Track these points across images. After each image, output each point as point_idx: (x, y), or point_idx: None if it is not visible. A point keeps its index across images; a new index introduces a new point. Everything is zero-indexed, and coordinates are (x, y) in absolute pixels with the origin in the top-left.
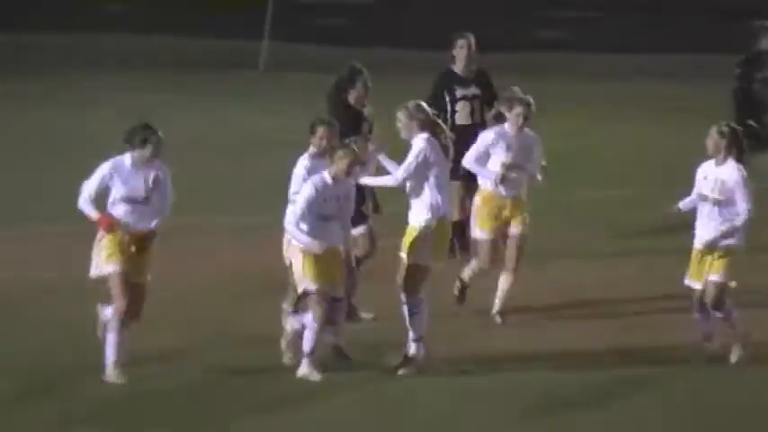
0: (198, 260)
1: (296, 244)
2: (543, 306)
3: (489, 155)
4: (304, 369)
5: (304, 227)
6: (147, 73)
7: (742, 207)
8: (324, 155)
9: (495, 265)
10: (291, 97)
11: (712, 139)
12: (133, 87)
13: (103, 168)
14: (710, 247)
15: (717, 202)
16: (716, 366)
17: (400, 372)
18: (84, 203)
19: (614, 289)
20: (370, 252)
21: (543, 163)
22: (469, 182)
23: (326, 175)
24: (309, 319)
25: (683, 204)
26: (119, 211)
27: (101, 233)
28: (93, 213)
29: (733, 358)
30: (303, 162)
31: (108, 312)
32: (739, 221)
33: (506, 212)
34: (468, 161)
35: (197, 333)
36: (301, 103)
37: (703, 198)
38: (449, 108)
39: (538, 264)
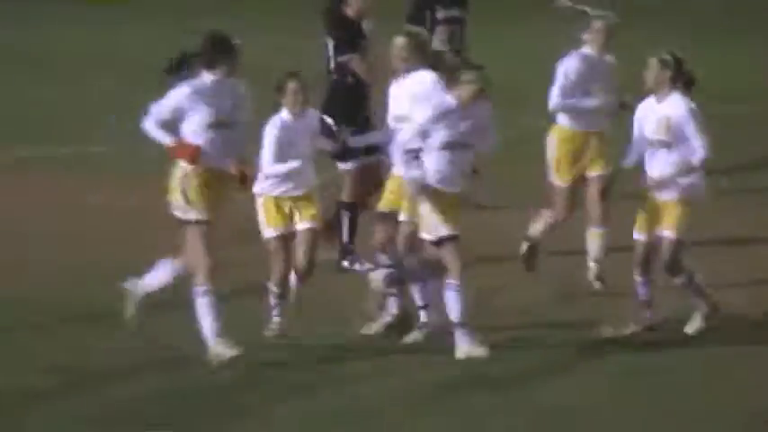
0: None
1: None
2: None
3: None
4: (473, 346)
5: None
6: None
7: (696, 144)
8: (300, 112)
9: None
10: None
11: (652, 70)
12: None
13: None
14: (661, 189)
15: (663, 144)
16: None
17: (405, 339)
18: (153, 127)
19: None
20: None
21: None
22: None
23: (450, 99)
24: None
25: (629, 160)
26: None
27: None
28: (167, 139)
29: (689, 328)
30: (274, 128)
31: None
32: (696, 160)
33: (589, 153)
34: (557, 101)
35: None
36: None
37: (649, 143)
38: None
39: None
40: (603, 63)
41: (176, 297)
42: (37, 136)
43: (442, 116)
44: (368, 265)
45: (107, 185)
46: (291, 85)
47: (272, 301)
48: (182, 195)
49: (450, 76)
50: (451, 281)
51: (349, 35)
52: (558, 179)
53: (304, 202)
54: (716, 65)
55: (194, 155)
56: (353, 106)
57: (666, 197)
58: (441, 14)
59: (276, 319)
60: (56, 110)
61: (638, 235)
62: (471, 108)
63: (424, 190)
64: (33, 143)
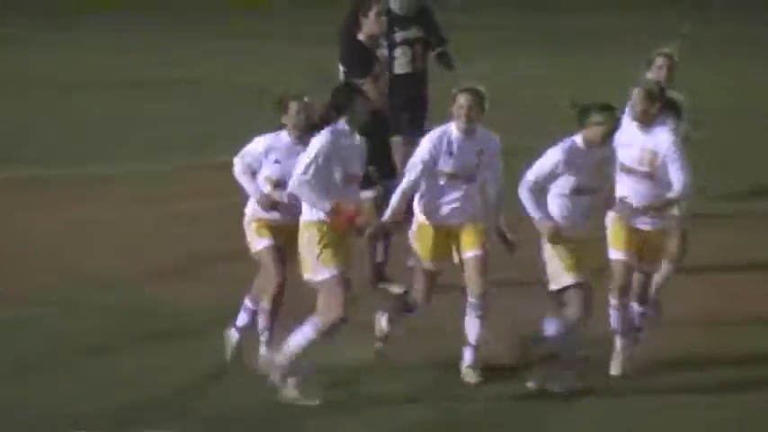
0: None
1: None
2: None
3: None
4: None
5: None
6: None
7: (678, 178)
8: (304, 133)
9: None
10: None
11: (639, 102)
12: None
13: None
14: (637, 217)
15: (645, 175)
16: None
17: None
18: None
19: None
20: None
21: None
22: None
23: (578, 141)
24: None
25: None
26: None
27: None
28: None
29: (614, 369)
30: (261, 145)
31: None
32: (675, 194)
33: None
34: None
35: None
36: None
37: (627, 170)
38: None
39: None
40: None
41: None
42: None
43: (571, 160)
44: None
45: None
46: (294, 105)
47: (264, 322)
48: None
49: (579, 117)
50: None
51: (360, 60)
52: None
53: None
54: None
55: (355, 218)
56: (372, 136)
57: (643, 226)
58: (398, 36)
59: (263, 339)
60: None
61: (618, 254)
62: (597, 150)
63: (556, 234)
64: None
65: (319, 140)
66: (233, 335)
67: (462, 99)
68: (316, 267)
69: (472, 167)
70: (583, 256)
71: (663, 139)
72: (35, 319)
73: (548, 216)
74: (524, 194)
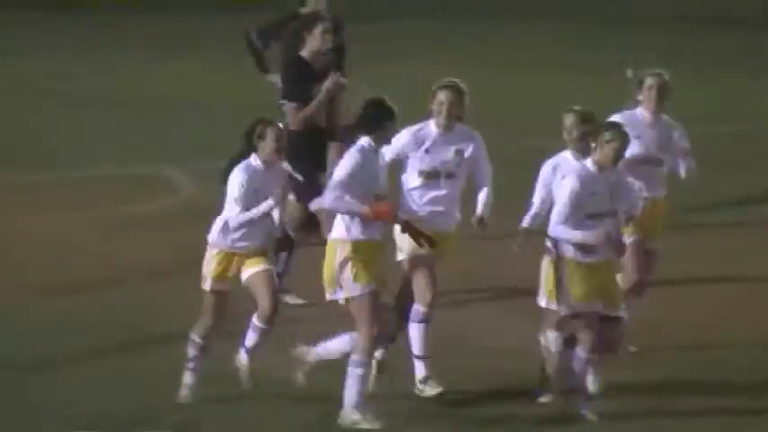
0: None
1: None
2: None
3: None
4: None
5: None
6: None
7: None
8: (275, 161)
9: None
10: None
11: (573, 126)
12: None
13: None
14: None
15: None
16: None
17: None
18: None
19: None
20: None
21: None
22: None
23: (589, 165)
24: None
25: (533, 221)
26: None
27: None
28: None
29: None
30: (241, 175)
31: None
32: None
33: None
34: None
35: None
36: None
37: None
38: None
39: None
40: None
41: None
42: None
43: (585, 185)
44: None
45: None
46: (270, 132)
47: (193, 353)
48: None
49: (593, 138)
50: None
51: (298, 78)
52: None
53: (254, 256)
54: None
55: (393, 211)
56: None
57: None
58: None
59: (188, 379)
60: None
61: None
62: (609, 173)
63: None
64: None
65: (350, 158)
66: (243, 359)
67: (442, 96)
68: (348, 285)
69: (451, 165)
70: (596, 282)
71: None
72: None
73: (596, 233)
74: (561, 232)
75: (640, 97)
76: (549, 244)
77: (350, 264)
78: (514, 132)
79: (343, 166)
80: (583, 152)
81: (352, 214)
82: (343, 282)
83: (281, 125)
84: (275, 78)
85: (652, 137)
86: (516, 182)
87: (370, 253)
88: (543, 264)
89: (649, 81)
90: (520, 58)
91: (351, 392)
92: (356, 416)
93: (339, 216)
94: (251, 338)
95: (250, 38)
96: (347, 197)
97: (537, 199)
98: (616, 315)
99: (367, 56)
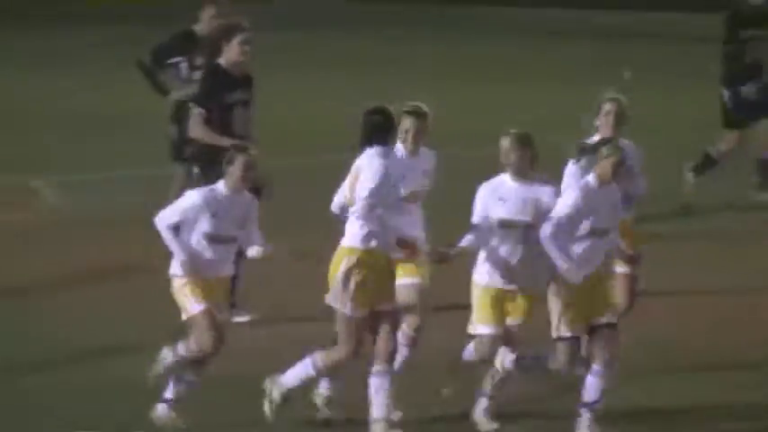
0: None
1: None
2: None
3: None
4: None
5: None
6: None
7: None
8: (241, 189)
9: None
10: None
11: (510, 149)
12: None
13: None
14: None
15: (528, 226)
16: None
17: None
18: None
19: None
20: None
21: None
22: None
23: (591, 180)
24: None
25: (471, 241)
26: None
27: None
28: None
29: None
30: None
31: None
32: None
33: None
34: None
35: None
36: None
37: (507, 224)
38: None
39: None
40: None
41: None
42: None
43: (587, 201)
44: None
45: None
46: (240, 160)
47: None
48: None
49: (582, 157)
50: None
51: (212, 85)
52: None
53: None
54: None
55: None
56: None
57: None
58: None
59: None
60: None
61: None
62: (609, 188)
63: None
64: None
65: (373, 164)
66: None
67: (408, 123)
68: (343, 299)
69: (422, 188)
70: (587, 303)
71: (541, 187)
72: None
73: (577, 265)
74: (550, 244)
75: (597, 123)
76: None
77: (353, 278)
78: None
79: (371, 173)
80: (520, 174)
81: (381, 230)
82: (339, 294)
83: (252, 153)
84: (178, 95)
85: None
86: None
87: (377, 265)
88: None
89: (607, 107)
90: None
91: (294, 375)
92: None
93: (355, 222)
94: (174, 390)
95: (143, 64)
96: (378, 206)
97: (477, 220)
98: (613, 322)
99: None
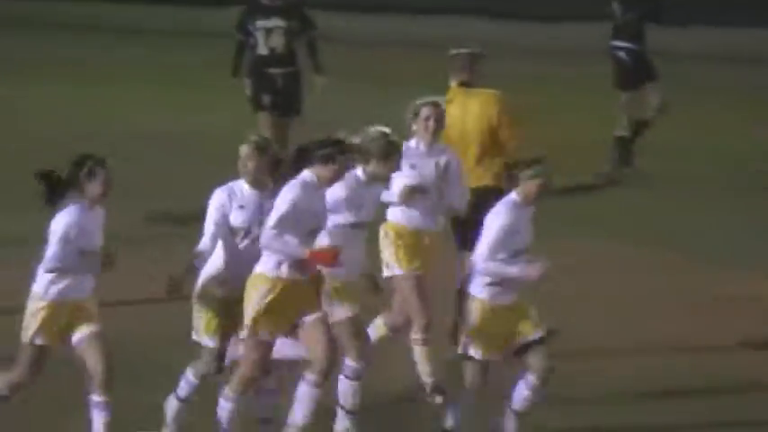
0: None
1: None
2: None
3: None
4: None
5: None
6: None
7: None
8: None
9: None
10: None
11: (251, 158)
12: None
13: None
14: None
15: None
16: None
17: None
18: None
19: None
20: None
21: None
22: None
23: (516, 199)
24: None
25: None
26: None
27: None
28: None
29: None
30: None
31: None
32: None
33: None
34: None
35: None
36: None
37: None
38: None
39: None
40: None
41: None
42: None
43: (516, 221)
44: None
45: None
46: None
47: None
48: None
49: (508, 175)
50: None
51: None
52: None
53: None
54: None
55: (335, 257)
56: None
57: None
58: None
59: None
60: None
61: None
62: (530, 207)
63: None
64: None
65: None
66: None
67: (427, 111)
68: (251, 326)
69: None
70: (512, 325)
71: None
72: None
73: (525, 265)
74: (489, 269)
75: (415, 127)
76: (471, 287)
77: (263, 305)
78: None
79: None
80: (257, 184)
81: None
82: (250, 320)
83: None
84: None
85: (429, 166)
86: None
87: (289, 293)
88: (471, 307)
89: (425, 111)
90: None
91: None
92: None
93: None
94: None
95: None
96: (286, 236)
97: (210, 227)
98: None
99: None
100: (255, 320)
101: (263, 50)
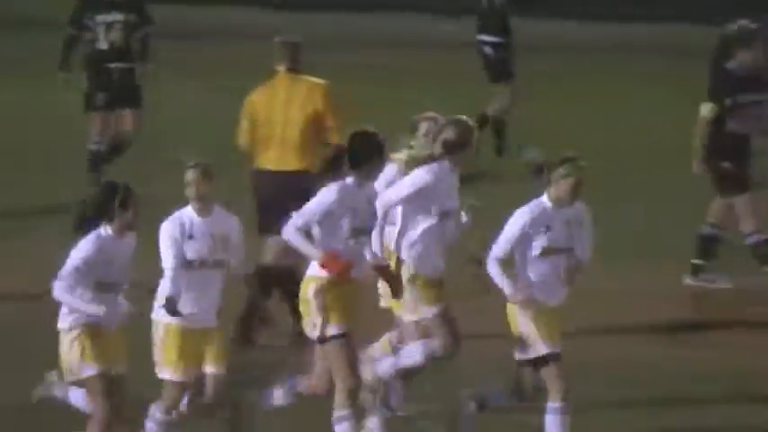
0: None
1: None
2: None
3: None
4: None
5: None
6: None
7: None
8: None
9: None
10: None
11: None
12: None
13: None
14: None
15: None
16: None
17: None
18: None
19: None
20: None
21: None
22: None
23: (545, 201)
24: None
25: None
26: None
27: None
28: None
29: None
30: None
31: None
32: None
33: None
34: None
35: None
36: None
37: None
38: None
39: None
40: None
41: None
42: None
43: (539, 221)
44: None
45: None
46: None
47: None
48: (318, 311)
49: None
50: (554, 404)
51: None
52: None
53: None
54: None
55: (347, 269)
56: None
57: None
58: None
59: None
60: None
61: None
62: (566, 208)
63: (529, 304)
64: None
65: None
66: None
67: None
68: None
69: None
70: (556, 324)
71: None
72: None
73: (518, 288)
74: (493, 268)
75: (412, 143)
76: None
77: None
78: None
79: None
80: (204, 210)
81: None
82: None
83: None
84: None
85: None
86: None
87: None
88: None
89: (425, 126)
90: None
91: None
92: None
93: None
94: None
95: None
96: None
97: (169, 262)
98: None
99: None
100: (323, 320)
101: (102, 45)
